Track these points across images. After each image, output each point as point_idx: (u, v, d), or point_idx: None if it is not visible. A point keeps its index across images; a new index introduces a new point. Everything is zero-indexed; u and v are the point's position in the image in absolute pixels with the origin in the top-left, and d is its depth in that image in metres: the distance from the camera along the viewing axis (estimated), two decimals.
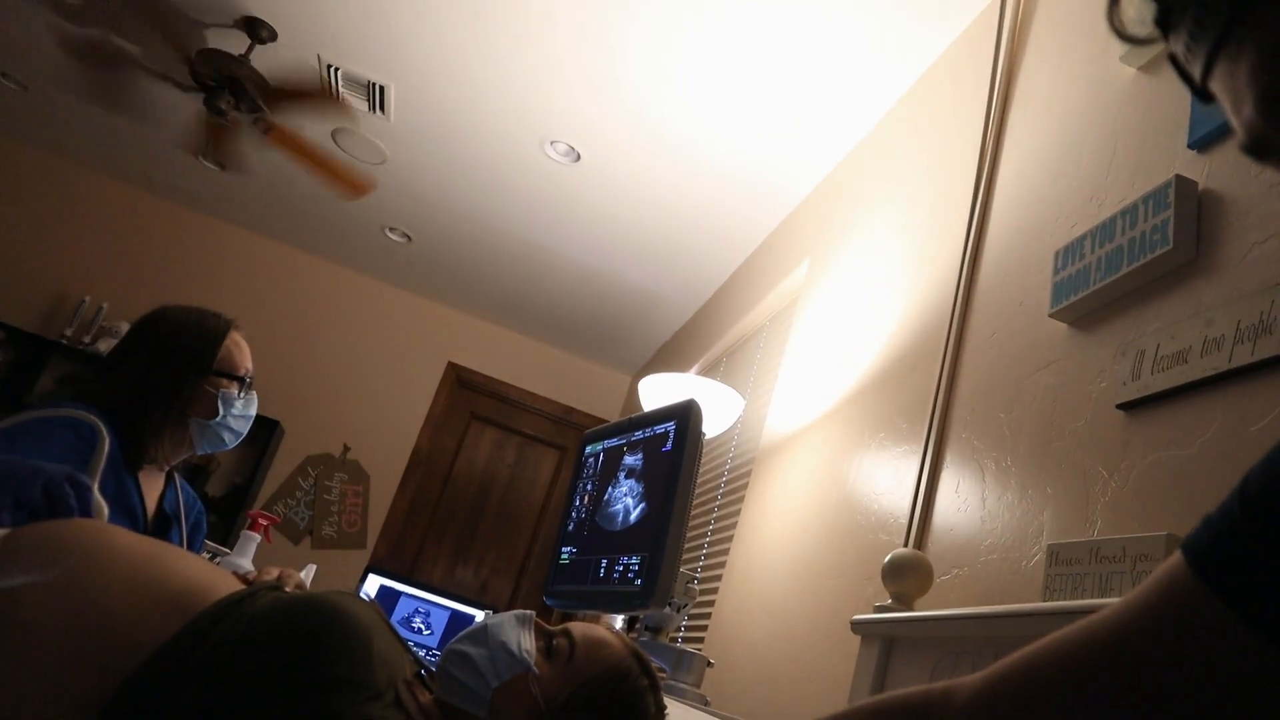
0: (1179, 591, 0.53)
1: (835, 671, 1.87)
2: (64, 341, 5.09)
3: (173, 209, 5.60)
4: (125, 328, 5.26)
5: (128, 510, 1.68)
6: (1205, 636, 0.51)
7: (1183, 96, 1.46)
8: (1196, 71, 0.51)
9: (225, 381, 1.84)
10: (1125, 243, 1.42)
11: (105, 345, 5.06)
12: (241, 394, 1.87)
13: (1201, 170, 1.36)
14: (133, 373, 1.77)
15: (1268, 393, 1.11)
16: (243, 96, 3.42)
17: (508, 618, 1.14)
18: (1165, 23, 0.52)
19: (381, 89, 3.70)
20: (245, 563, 2.08)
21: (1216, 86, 0.51)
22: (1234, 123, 0.51)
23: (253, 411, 1.91)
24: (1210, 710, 0.51)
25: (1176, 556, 0.54)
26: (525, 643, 1.10)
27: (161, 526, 1.85)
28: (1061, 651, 0.57)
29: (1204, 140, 1.37)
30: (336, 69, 3.63)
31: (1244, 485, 0.52)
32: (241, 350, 1.90)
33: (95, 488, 1.24)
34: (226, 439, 1.87)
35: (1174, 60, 0.53)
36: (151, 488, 1.83)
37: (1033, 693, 0.57)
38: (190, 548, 1.89)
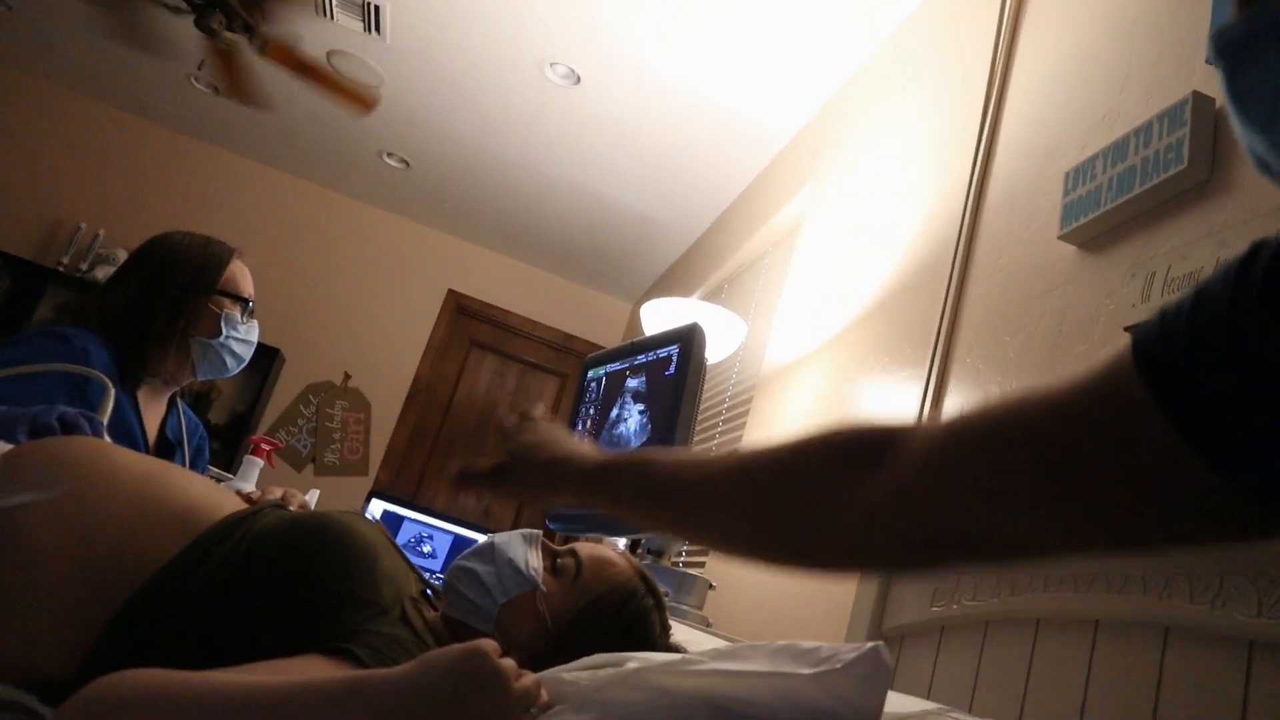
0: (1121, 387, 0.53)
1: (835, 593, 1.89)
2: (60, 269, 5.06)
3: (168, 135, 5.52)
4: (122, 254, 5.22)
5: (126, 433, 1.68)
6: (1134, 426, 0.51)
7: (1201, 10, 1.42)
8: None
9: (228, 302, 1.84)
10: (1138, 162, 1.39)
11: (102, 272, 5.02)
12: (244, 318, 1.87)
13: (1220, 87, 1.33)
14: (135, 290, 1.78)
15: None
16: (233, 15, 3.34)
17: (515, 536, 1.14)
18: None
19: (377, 9, 3.62)
20: (248, 486, 2.08)
21: None
22: None
23: (254, 338, 1.91)
24: (1130, 480, 0.52)
25: (1126, 348, 0.54)
26: (533, 560, 1.10)
27: (163, 451, 1.86)
28: (1015, 412, 0.58)
29: None
30: None
31: (1199, 289, 0.52)
32: (244, 276, 1.91)
33: (105, 425, 1.25)
34: (228, 362, 1.86)
35: None
36: (153, 412, 1.83)
37: (979, 440, 0.58)
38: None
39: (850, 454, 0.65)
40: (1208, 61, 1.36)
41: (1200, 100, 1.32)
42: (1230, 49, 0.47)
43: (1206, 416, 0.48)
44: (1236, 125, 0.48)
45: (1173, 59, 1.47)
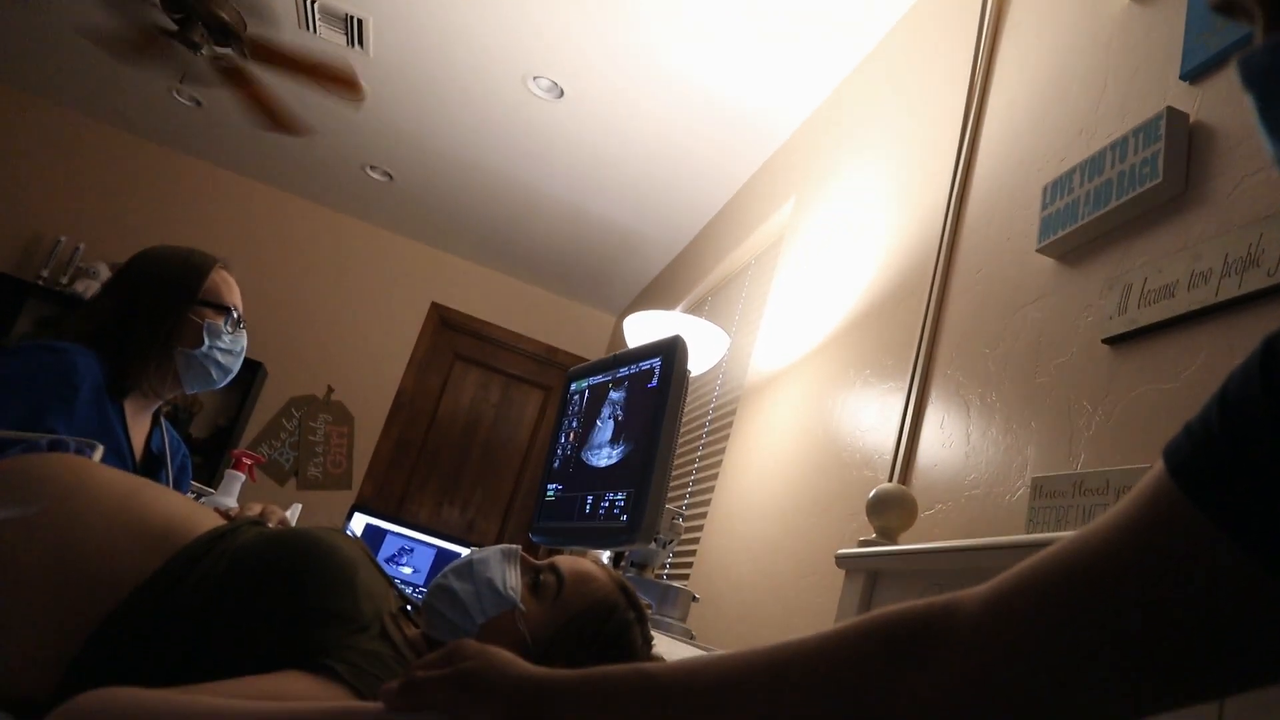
0: (1164, 505, 0.51)
1: (819, 605, 1.89)
2: (40, 283, 5.02)
3: (150, 147, 5.50)
4: (102, 268, 5.18)
5: (114, 449, 1.67)
6: (1193, 553, 0.50)
7: (1176, 26, 1.44)
8: None
9: (210, 312, 1.82)
10: (1114, 176, 1.41)
11: (82, 286, 4.99)
12: (229, 328, 1.84)
13: (1193, 102, 1.35)
14: (115, 303, 1.76)
15: (1254, 325, 1.10)
16: (215, 26, 3.34)
17: (493, 552, 1.13)
18: None
19: (360, 22, 3.62)
20: (230, 501, 2.07)
21: None
22: None
23: (241, 348, 1.89)
24: (1207, 623, 0.50)
25: (1159, 468, 0.53)
26: (511, 579, 1.10)
27: (149, 467, 1.84)
28: (1061, 567, 0.55)
29: (1197, 71, 1.35)
30: (314, 1, 3.54)
31: (1223, 393, 0.51)
32: (229, 286, 1.88)
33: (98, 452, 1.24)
34: (214, 374, 1.84)
35: None
36: (139, 428, 1.81)
37: (1036, 610, 0.55)
38: (177, 490, 1.88)
39: (894, 645, 0.61)
40: (1181, 78, 1.38)
41: (1175, 115, 1.33)
42: (1259, 77, 0.45)
43: (1259, 515, 0.47)
44: (1271, 148, 0.45)
45: (1147, 74, 1.48)
